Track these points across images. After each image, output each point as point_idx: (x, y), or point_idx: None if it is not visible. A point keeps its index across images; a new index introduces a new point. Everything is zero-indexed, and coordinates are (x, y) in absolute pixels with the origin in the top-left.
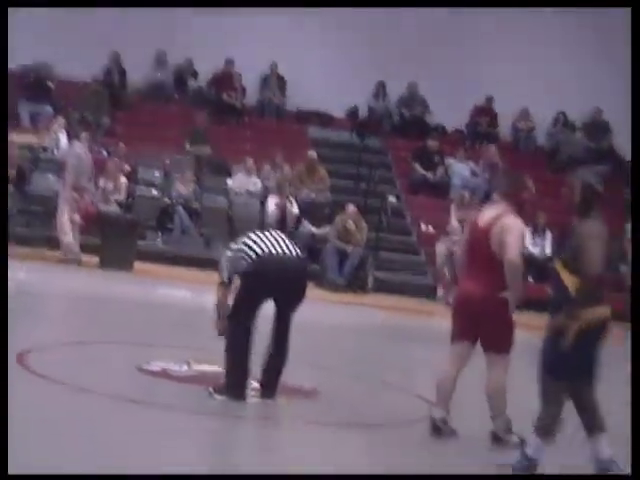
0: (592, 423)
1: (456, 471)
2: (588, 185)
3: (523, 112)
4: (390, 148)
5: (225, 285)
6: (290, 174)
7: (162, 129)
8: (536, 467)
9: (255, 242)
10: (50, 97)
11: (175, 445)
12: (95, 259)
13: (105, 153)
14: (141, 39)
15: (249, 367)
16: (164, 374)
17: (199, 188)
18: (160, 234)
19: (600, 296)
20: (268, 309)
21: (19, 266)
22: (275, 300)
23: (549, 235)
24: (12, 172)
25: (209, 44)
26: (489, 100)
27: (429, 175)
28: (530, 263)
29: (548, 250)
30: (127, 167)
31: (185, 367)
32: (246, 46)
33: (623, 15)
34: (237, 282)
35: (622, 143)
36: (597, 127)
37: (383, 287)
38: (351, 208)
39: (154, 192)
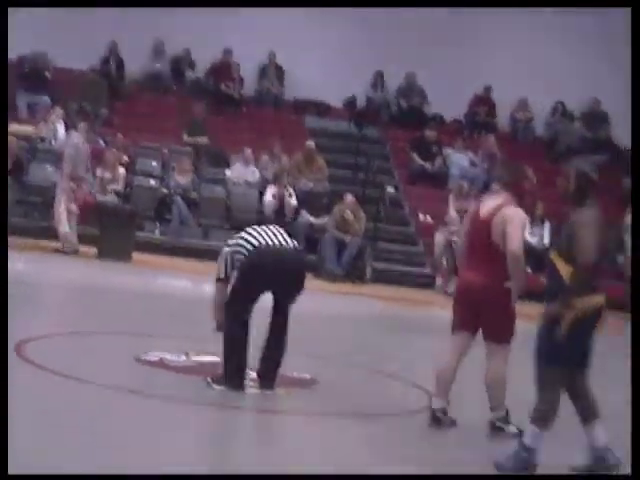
0: (586, 411)
1: (455, 462)
2: (583, 173)
3: (521, 102)
4: (388, 138)
5: (223, 281)
6: (288, 164)
7: (160, 119)
8: (535, 457)
9: (252, 235)
10: (48, 87)
11: (173, 435)
12: (93, 250)
13: (103, 143)
14: (139, 29)
15: (247, 358)
16: (162, 364)
17: (197, 178)
18: (158, 224)
19: (595, 285)
20: (266, 301)
21: (17, 257)
22: (273, 292)
23: (547, 225)
24: (10, 162)
25: (207, 34)
26: (487, 90)
27: (427, 165)
28: (529, 253)
29: (546, 240)
30: (125, 157)
31: (183, 357)
32: (244, 36)
33: (623, 13)
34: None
35: (620, 133)
36: (595, 117)
37: (381, 277)
38: (349, 198)
39: (152, 182)
